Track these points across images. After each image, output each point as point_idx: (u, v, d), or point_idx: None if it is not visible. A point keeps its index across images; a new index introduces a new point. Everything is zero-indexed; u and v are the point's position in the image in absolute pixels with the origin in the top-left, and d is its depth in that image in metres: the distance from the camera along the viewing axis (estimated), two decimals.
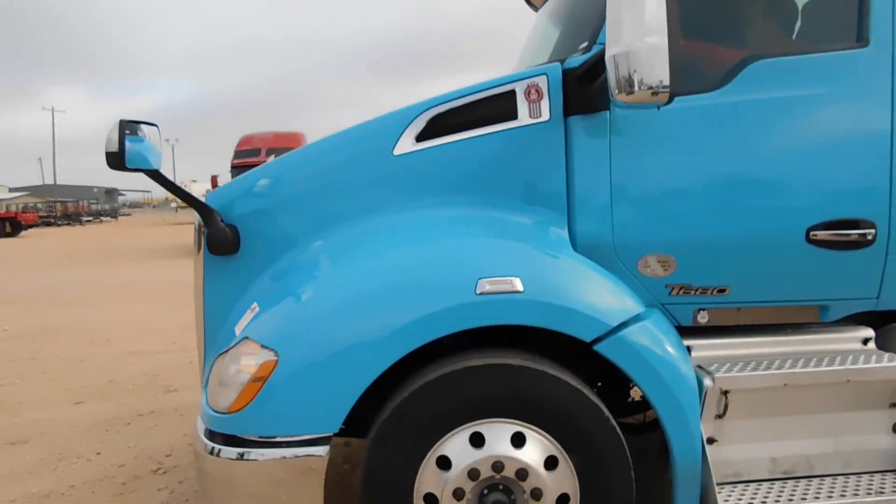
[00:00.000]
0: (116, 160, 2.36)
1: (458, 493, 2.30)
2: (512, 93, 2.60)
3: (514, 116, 2.60)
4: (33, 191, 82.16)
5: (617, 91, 2.24)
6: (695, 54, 2.76)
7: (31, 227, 38.81)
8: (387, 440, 2.34)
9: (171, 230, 34.53)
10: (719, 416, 2.61)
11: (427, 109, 2.67)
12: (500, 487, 2.34)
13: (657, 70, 2.17)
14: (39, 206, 54.53)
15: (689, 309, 2.74)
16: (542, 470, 2.34)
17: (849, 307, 2.77)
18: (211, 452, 2.36)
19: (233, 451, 2.33)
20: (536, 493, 2.34)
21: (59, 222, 49.69)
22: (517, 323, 2.38)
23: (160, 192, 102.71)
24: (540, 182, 2.64)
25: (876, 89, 2.57)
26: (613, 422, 2.41)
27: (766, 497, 2.57)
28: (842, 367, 2.61)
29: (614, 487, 2.42)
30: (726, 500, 2.54)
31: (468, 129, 2.64)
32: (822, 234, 2.60)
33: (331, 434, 2.32)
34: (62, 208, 54.29)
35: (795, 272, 2.68)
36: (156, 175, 2.55)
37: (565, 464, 2.38)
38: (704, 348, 2.72)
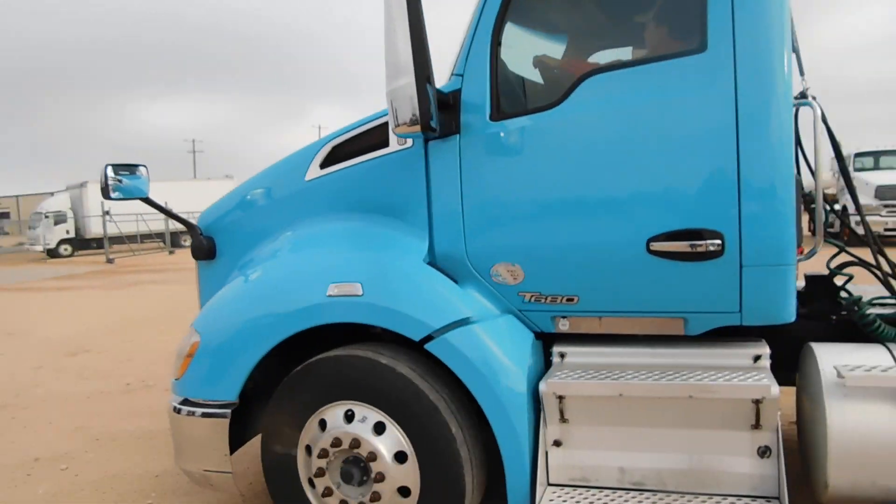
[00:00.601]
0: (104, 193, 3.26)
1: (323, 453, 2.79)
2: (386, 123, 2.91)
3: (387, 144, 2.97)
4: None
5: (394, 125, 2.56)
6: (529, 74, 2.89)
7: None
8: (278, 404, 2.96)
9: None
10: (564, 421, 2.72)
11: (330, 140, 3.17)
12: (351, 459, 2.78)
13: (412, 106, 2.47)
14: None
15: (547, 316, 2.85)
16: (389, 459, 2.71)
17: (712, 321, 2.66)
18: (174, 409, 3.18)
19: (178, 408, 3.10)
20: (379, 477, 2.70)
21: None
22: (356, 321, 2.81)
23: None
24: (407, 200, 2.95)
25: (717, 94, 2.46)
26: (455, 431, 2.67)
27: None
28: (682, 383, 2.54)
29: (449, 494, 2.69)
30: (551, 501, 2.65)
31: (356, 156, 3.08)
32: (662, 245, 2.56)
33: (231, 401, 2.98)
34: None
35: (642, 283, 2.65)
36: (146, 200, 3.45)
37: (413, 461, 2.71)
38: (578, 355, 2.84)
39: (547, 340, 2.92)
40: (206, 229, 3.59)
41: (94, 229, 28.82)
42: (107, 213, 25.73)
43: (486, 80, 2.76)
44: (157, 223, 29.66)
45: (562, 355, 2.86)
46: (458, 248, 2.85)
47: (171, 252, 28.92)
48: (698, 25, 2.48)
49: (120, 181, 3.30)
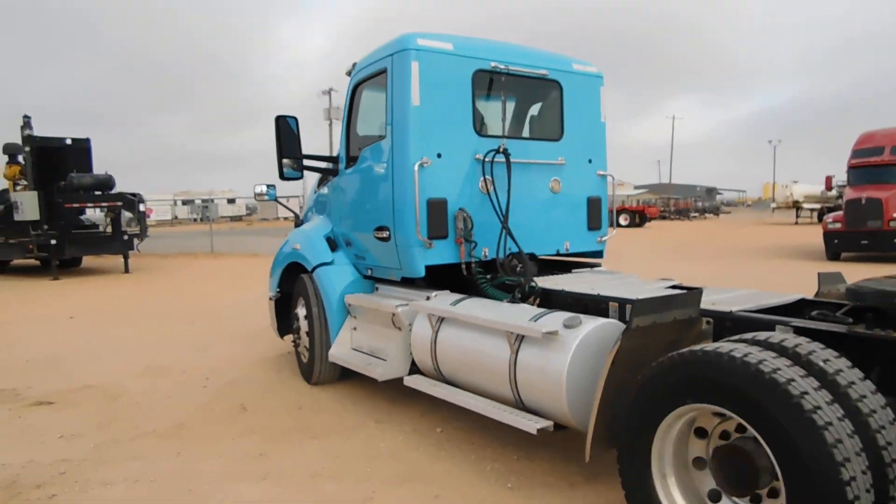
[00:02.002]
0: (257, 198, 6.59)
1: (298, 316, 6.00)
2: (328, 168, 6.01)
3: (327, 180, 6.09)
4: (651, 188, 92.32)
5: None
6: (353, 146, 5.49)
7: (652, 219, 43.68)
8: (292, 297, 6.14)
9: (768, 230, 33.14)
10: (354, 317, 5.47)
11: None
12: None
13: (279, 169, 5.56)
14: (654, 201, 58.51)
15: (363, 266, 5.51)
16: (302, 316, 5.87)
17: (399, 273, 4.95)
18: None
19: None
20: (301, 317, 5.92)
21: (672, 216, 53.33)
22: (298, 262, 5.92)
23: (754, 192, 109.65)
24: (330, 208, 5.97)
25: (387, 160, 4.84)
26: (314, 309, 5.61)
27: (350, 359, 5.25)
28: (376, 300, 5.16)
29: (320, 336, 5.63)
30: (339, 353, 5.37)
31: (321, 185, 6.33)
32: (376, 233, 5.03)
33: (274, 294, 6.43)
34: (674, 204, 58.11)
35: (376, 253, 5.19)
36: (276, 200, 7.14)
37: (306, 319, 5.76)
38: (383, 289, 5.39)
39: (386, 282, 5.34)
40: (302, 218, 6.93)
41: None
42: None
43: (344, 147, 5.57)
44: None
45: (377, 288, 5.47)
46: (337, 231, 5.77)
47: None
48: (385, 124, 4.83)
49: (267, 191, 6.60)
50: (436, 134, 4.67)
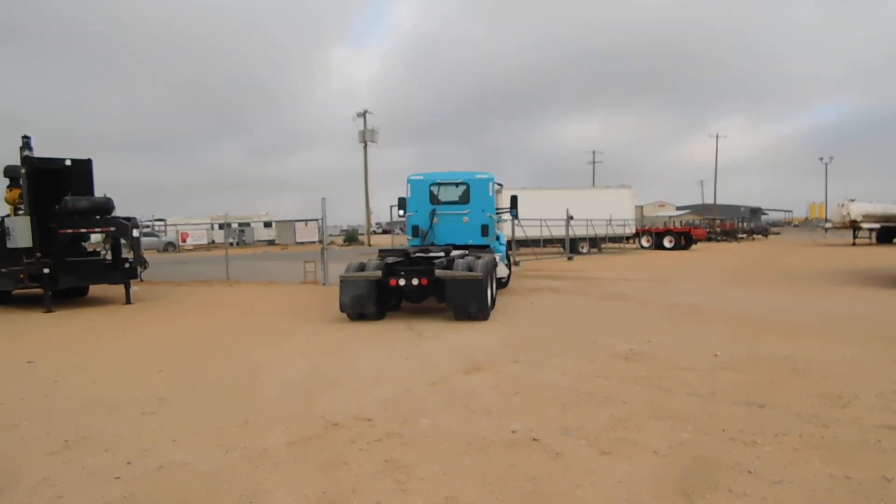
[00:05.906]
0: (399, 210, 15.07)
1: None
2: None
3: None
4: (694, 209, 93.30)
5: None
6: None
7: (699, 241, 41.33)
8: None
9: (828, 252, 31.45)
10: None
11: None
12: None
13: (395, 212, 16.17)
14: (698, 222, 56.55)
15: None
16: None
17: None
18: None
19: None
20: None
21: (718, 238, 51.27)
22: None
23: (800, 212, 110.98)
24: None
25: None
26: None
27: None
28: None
29: None
30: None
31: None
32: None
33: None
34: (720, 225, 55.81)
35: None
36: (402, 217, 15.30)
37: None
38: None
39: None
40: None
41: (506, 232, 27.53)
42: (515, 217, 24.23)
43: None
44: (559, 229, 29.63)
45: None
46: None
47: (570, 258, 29.00)
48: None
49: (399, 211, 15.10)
50: (415, 204, 14.37)
